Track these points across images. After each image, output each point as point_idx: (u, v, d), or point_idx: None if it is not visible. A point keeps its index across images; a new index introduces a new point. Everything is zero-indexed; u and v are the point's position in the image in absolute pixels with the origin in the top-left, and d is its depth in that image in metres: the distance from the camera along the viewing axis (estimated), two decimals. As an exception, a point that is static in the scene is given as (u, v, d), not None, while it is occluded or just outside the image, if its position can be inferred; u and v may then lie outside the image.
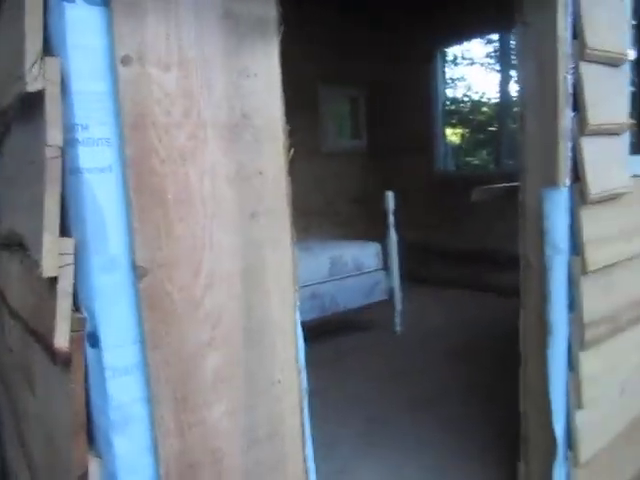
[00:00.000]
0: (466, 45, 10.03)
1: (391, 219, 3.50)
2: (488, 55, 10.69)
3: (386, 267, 3.66)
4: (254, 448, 0.92)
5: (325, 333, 3.61)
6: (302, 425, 1.00)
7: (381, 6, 4.72)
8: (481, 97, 11.15)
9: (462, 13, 4.49)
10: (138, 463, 0.81)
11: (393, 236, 3.51)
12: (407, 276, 4.26)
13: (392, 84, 5.14)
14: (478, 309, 4.00)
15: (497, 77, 11.64)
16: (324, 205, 5.08)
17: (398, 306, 3.67)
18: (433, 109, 5.20)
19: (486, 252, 4.19)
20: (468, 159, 11.22)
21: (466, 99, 11.70)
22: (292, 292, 0.99)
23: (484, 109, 11.24)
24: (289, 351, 0.97)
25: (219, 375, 0.87)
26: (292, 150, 0.98)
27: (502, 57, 8.61)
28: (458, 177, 5.22)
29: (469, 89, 11.74)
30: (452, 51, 10.20)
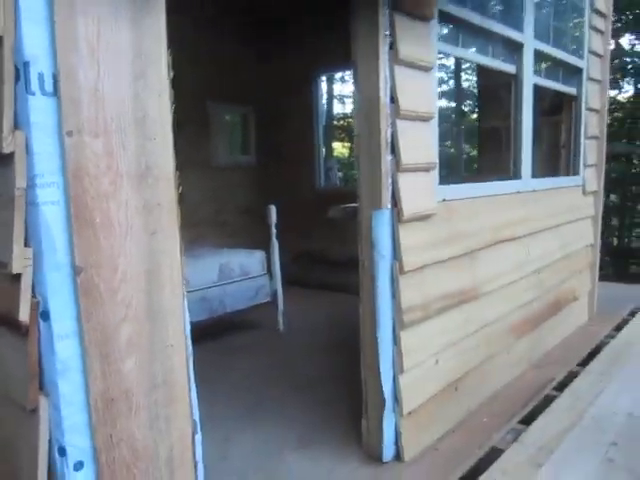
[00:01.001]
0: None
1: (273, 230, 3.99)
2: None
3: (270, 273, 4.15)
4: (154, 391, 1.35)
5: (215, 333, 4.01)
6: (188, 376, 1.44)
7: (268, 33, 5.31)
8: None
9: (333, 48, 5.07)
10: (75, 398, 1.21)
11: (275, 245, 4.01)
12: (292, 281, 4.78)
13: (279, 103, 5.63)
14: (349, 309, 4.59)
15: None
16: (215, 215, 5.48)
17: (281, 307, 4.16)
18: (315, 128, 5.78)
19: (353, 259, 4.81)
20: (355, 172, 11.87)
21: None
22: (180, 286, 1.43)
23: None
24: (178, 325, 1.41)
25: (130, 340, 1.29)
26: (180, 188, 1.43)
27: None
28: (333, 192, 5.76)
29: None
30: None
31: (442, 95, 10.64)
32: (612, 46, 8.55)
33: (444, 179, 2.44)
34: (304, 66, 5.45)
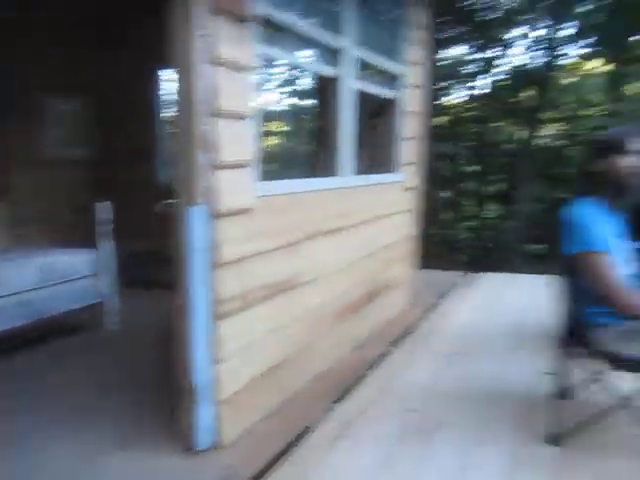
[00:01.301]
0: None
1: (104, 228, 3.85)
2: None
3: (101, 272, 3.98)
4: None
5: (40, 337, 3.72)
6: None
7: (108, 28, 5.19)
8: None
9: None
10: None
11: (105, 244, 3.87)
12: (129, 281, 4.59)
13: (119, 99, 5.42)
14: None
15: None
16: (46, 213, 5.09)
17: (112, 307, 4.02)
18: (155, 122, 5.65)
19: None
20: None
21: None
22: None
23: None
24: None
25: None
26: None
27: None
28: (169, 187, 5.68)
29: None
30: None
31: (297, 93, 10.89)
32: (446, 54, 9.42)
33: (283, 175, 2.52)
34: (143, 62, 5.31)
